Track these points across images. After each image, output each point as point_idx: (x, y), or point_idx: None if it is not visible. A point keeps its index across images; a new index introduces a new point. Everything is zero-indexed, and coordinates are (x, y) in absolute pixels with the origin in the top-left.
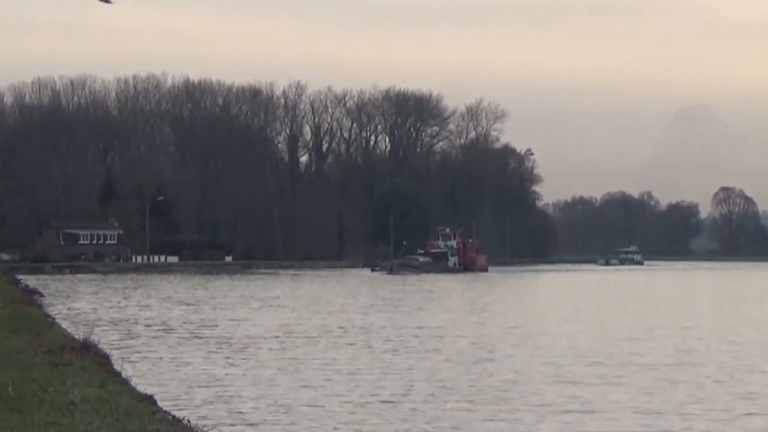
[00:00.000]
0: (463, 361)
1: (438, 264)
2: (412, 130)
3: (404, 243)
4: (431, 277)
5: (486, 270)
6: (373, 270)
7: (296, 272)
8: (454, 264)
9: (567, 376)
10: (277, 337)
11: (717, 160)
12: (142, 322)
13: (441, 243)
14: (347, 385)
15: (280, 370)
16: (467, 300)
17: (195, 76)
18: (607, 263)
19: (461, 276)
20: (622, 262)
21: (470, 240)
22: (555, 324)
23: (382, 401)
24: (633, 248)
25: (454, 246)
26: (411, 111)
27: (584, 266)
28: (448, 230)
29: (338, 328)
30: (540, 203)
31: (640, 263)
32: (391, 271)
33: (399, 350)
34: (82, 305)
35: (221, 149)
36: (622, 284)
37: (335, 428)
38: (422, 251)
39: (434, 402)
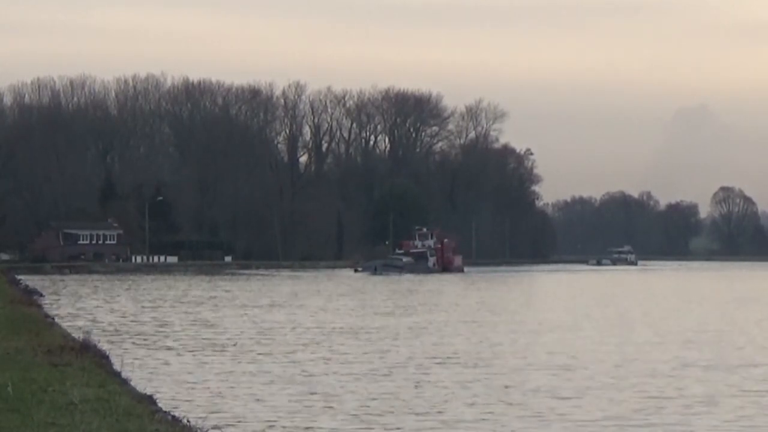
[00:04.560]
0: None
1: (419, 264)
2: (411, 130)
3: (386, 243)
4: (412, 277)
5: (462, 270)
6: (356, 270)
7: (292, 273)
8: (434, 264)
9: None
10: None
11: (717, 160)
12: (137, 322)
13: (418, 243)
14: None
15: (278, 372)
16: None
17: (194, 76)
18: (598, 263)
19: (438, 276)
20: (615, 262)
21: (445, 240)
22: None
23: None
24: (627, 248)
25: (433, 246)
26: (410, 111)
27: (574, 266)
28: (425, 230)
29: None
30: (539, 203)
31: (633, 263)
32: (374, 271)
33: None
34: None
35: (221, 149)
36: (582, 287)
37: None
38: (401, 251)
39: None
